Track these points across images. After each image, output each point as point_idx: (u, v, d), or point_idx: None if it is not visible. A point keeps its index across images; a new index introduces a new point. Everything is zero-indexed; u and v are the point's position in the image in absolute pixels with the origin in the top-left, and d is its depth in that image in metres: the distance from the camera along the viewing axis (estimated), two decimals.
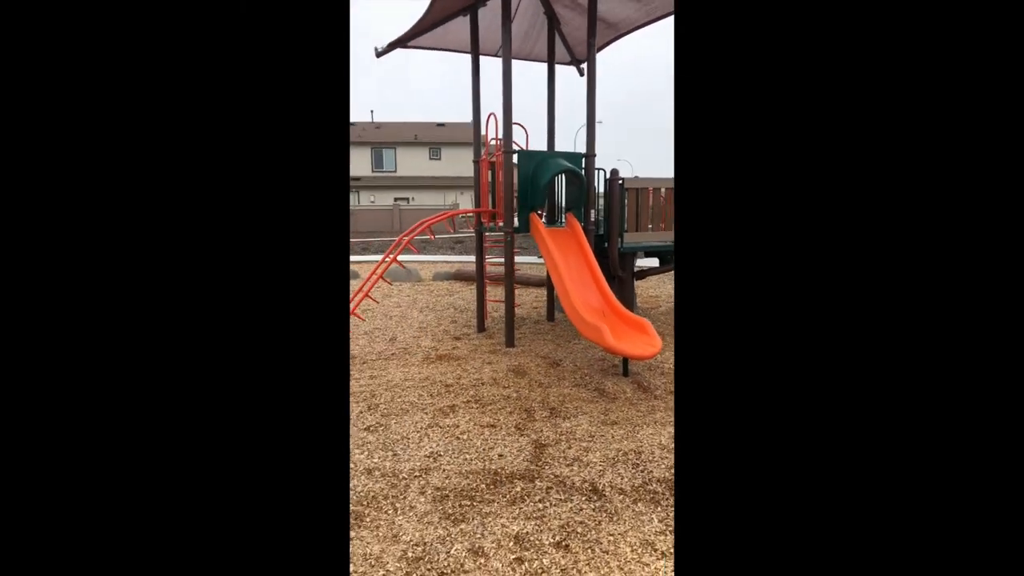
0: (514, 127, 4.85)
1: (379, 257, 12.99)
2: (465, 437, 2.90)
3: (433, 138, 31.36)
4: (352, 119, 32.84)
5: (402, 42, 5.63)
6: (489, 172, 5.36)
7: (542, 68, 5.86)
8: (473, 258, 12.07)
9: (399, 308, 6.75)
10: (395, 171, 31.03)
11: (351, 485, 2.39)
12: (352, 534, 2.03)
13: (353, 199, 29.42)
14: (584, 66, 6.67)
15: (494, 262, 7.47)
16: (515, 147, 4.84)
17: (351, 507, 2.21)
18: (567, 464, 2.58)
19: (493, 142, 5.26)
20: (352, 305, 4.74)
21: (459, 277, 9.37)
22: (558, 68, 5.88)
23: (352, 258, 12.60)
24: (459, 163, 31.19)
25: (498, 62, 5.17)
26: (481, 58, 5.43)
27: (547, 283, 6.22)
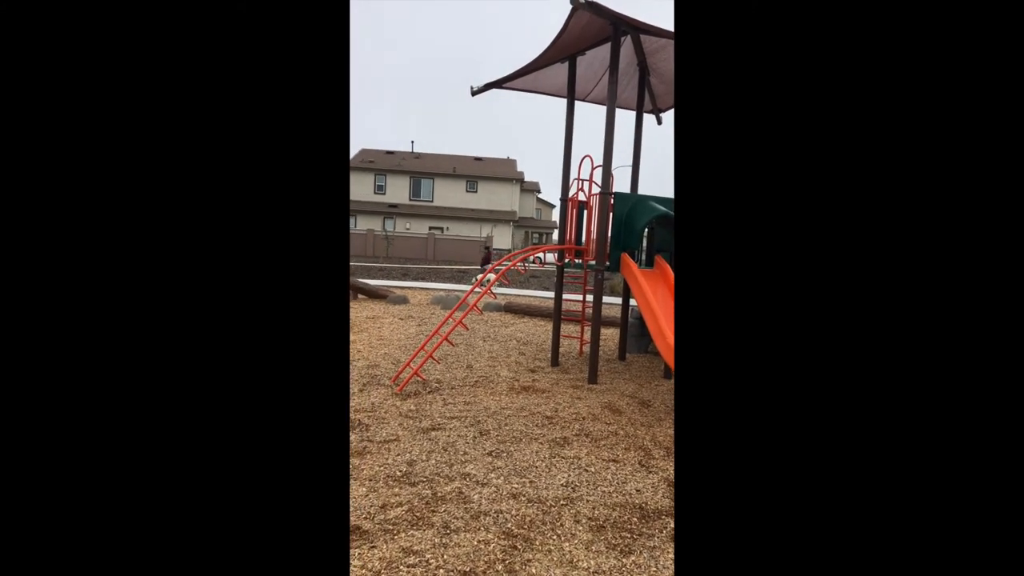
0: (594, 169, 5.03)
1: (420, 284, 13.20)
2: (593, 470, 2.95)
3: (470, 171, 32.06)
4: (393, 148, 33.76)
5: (498, 84, 5.90)
6: (575, 211, 5.54)
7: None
8: (516, 291, 12.35)
9: (461, 336, 6.86)
10: (432, 200, 31.67)
11: (501, 508, 2.45)
12: (528, 556, 2.08)
13: (390, 225, 30.00)
14: (663, 115, 6.93)
15: (571, 299, 7.59)
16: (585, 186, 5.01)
17: (512, 528, 2.27)
18: None
19: (585, 183, 5.44)
20: (447, 330, 4.87)
21: (510, 309, 9.49)
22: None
23: (394, 283, 12.82)
24: (494, 197, 31.76)
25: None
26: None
27: (621, 324, 6.30)
